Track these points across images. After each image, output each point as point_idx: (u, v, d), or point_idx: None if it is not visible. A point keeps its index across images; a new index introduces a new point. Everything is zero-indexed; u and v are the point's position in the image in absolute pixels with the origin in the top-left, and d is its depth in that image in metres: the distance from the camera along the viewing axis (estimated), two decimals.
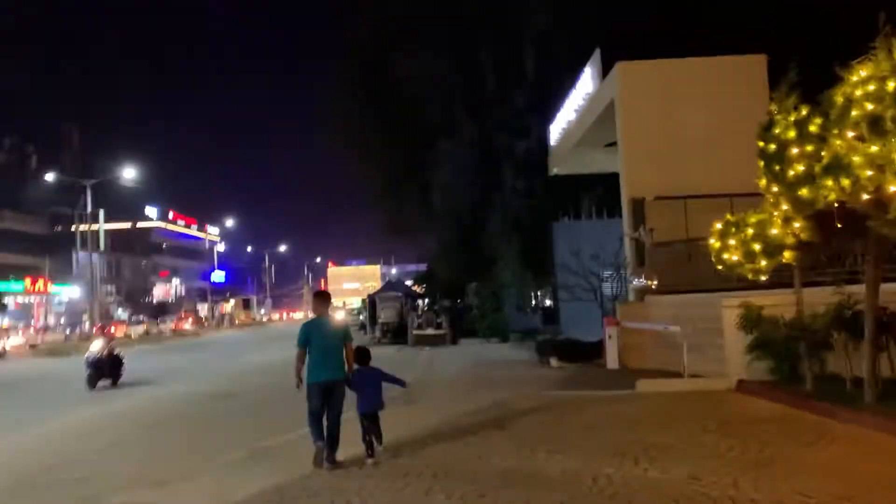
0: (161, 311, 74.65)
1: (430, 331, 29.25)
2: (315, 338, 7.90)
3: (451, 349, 26.98)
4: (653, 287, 16.89)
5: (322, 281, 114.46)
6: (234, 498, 6.63)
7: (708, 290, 15.45)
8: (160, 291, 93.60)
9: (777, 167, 8.37)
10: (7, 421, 13.08)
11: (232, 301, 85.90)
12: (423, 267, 51.18)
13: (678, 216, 17.57)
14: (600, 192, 30.36)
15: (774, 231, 8.84)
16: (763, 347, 10.61)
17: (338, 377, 7.90)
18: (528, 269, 30.43)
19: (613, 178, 25.74)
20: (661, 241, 17.20)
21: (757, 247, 9.31)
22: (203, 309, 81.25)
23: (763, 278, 9.67)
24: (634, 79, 18.80)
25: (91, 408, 14.23)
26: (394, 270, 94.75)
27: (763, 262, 9.39)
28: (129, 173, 50.47)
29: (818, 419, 8.57)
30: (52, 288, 63.02)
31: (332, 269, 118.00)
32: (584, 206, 31.11)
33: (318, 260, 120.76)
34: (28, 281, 60.48)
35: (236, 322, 74.46)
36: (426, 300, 38.04)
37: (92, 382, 17.01)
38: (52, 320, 59.80)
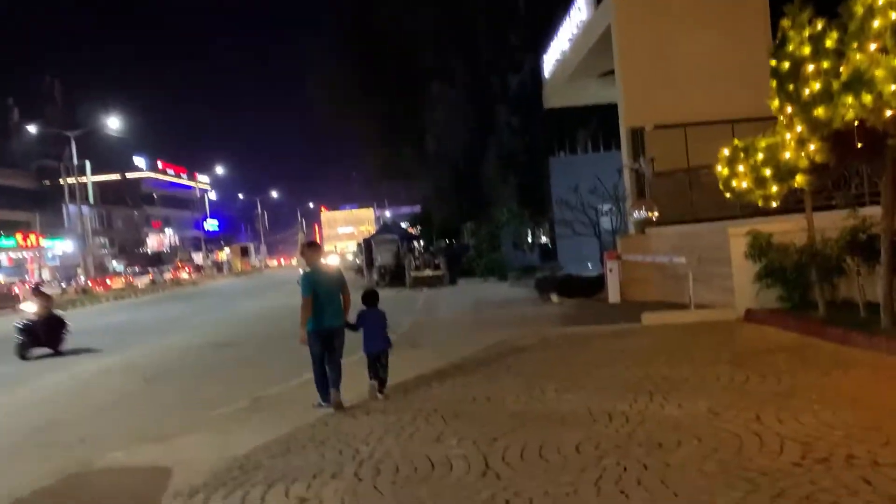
0: (157, 261, 74.42)
1: (427, 272, 29.06)
2: (315, 287, 7.97)
3: (449, 290, 26.82)
4: (653, 218, 16.57)
5: (316, 226, 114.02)
6: (238, 450, 6.41)
7: (710, 219, 15.18)
8: (154, 242, 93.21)
9: (791, 86, 7.95)
10: (3, 376, 12.90)
11: (227, 249, 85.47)
12: (417, 209, 50.76)
13: (678, 145, 17.16)
14: (596, 125, 29.86)
15: (787, 155, 8.47)
16: (772, 275, 10.36)
17: (337, 324, 8.04)
18: (525, 207, 30.08)
19: (609, 109, 25.17)
20: (662, 171, 16.83)
21: (768, 172, 8.95)
22: (198, 258, 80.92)
23: (774, 204, 9.34)
24: (630, 3, 18.09)
25: (90, 362, 14.04)
26: (388, 213, 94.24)
27: (774, 188, 9.04)
28: (113, 123, 49.49)
29: (834, 347, 8.35)
30: (44, 242, 62.52)
31: (326, 214, 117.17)
32: (580, 140, 30.64)
33: (311, 205, 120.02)
34: (20, 236, 59.90)
35: (233, 270, 74.24)
36: (422, 242, 37.78)
37: (22, 351, 15.04)
38: (46, 275, 59.44)
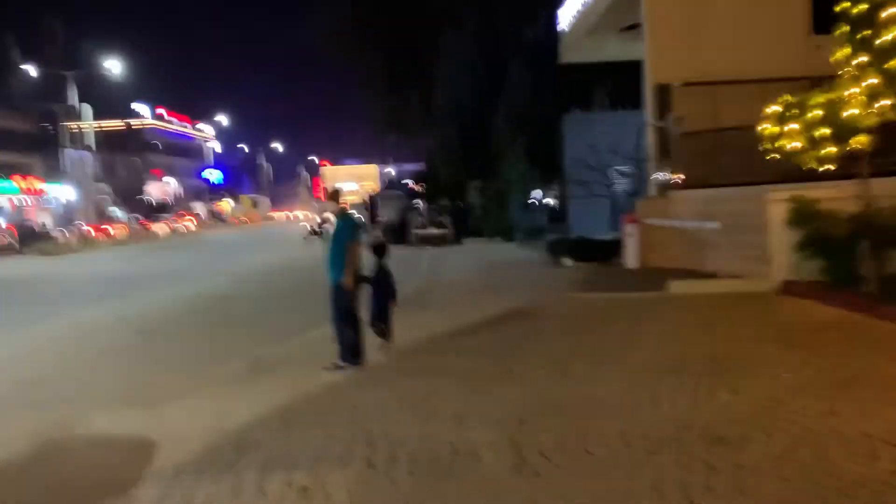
0: (159, 210, 73.59)
1: (432, 230, 28.24)
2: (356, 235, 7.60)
3: (455, 249, 26.04)
4: (677, 181, 15.69)
5: (317, 181, 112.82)
6: (232, 423, 5.69)
7: (737, 184, 14.32)
8: (156, 191, 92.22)
9: (866, 33, 7.05)
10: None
11: (236, 201, 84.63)
12: (422, 166, 49.67)
13: (706, 104, 16.15)
14: (613, 83, 28.70)
15: (854, 111, 7.59)
16: (815, 245, 9.54)
17: (330, 281, 7.48)
18: (535, 166, 29.07)
19: (627, 67, 24.06)
20: (688, 132, 15.87)
21: (825, 131, 8.08)
22: (200, 208, 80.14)
23: (828, 168, 8.48)
24: None
25: (83, 313, 13.31)
26: (392, 170, 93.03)
27: (830, 149, 8.18)
28: (114, 66, 48.18)
29: (890, 326, 7.59)
30: (43, 186, 61.55)
31: (328, 168, 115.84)
32: (596, 99, 29.47)
33: (314, 158, 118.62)
34: (19, 179, 58.90)
35: (237, 222, 73.52)
36: (426, 200, 36.77)
37: None
38: (47, 221, 58.63)
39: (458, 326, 9.37)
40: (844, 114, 7.73)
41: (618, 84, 28.19)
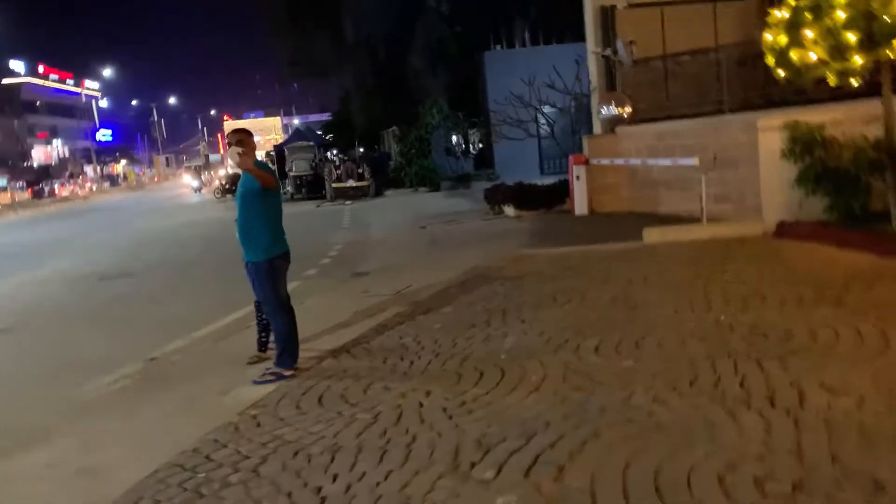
0: (43, 175, 67.96)
1: (350, 183, 26.02)
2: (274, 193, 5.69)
3: (378, 202, 24.05)
4: (625, 116, 14.17)
5: (219, 136, 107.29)
6: (111, 482, 3.78)
7: (694, 115, 12.97)
8: (40, 154, 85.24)
9: None
10: None
11: (123, 161, 79.11)
12: (328, 117, 46.74)
13: (653, 28, 14.61)
14: (535, 15, 26.94)
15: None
16: (820, 179, 8.14)
17: (245, 257, 5.68)
18: (458, 108, 27.17)
19: None
20: (637, 59, 14.31)
21: (852, 37, 6.54)
22: (90, 171, 74.53)
23: (854, 83, 6.98)
24: None
25: None
26: (296, 121, 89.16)
27: (857, 59, 6.66)
28: None
29: None
30: None
31: (229, 123, 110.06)
32: (517, 33, 27.65)
33: (213, 113, 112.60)
34: None
35: (130, 184, 68.68)
36: (336, 151, 34.25)
37: None
38: None
39: (409, 300, 7.56)
40: (886, 12, 6.18)
41: (540, 16, 26.47)
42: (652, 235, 9.47)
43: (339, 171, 26.48)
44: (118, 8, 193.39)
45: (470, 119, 27.67)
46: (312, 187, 27.36)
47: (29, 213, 36.82)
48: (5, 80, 79.65)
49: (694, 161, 9.72)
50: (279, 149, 33.61)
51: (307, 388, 5.08)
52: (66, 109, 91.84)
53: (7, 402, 5.77)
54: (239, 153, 5.25)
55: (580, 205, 14.14)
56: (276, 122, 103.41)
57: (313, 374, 5.40)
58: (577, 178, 14.18)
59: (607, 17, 14.65)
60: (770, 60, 7.48)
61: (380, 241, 13.79)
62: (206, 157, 66.72)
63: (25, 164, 77.59)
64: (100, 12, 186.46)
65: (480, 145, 27.56)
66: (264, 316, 5.90)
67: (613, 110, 14.34)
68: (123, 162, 79.32)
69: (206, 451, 4.12)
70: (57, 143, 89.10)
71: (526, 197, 15.35)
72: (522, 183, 16.52)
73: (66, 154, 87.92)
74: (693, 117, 12.80)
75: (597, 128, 15.30)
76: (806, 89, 8.78)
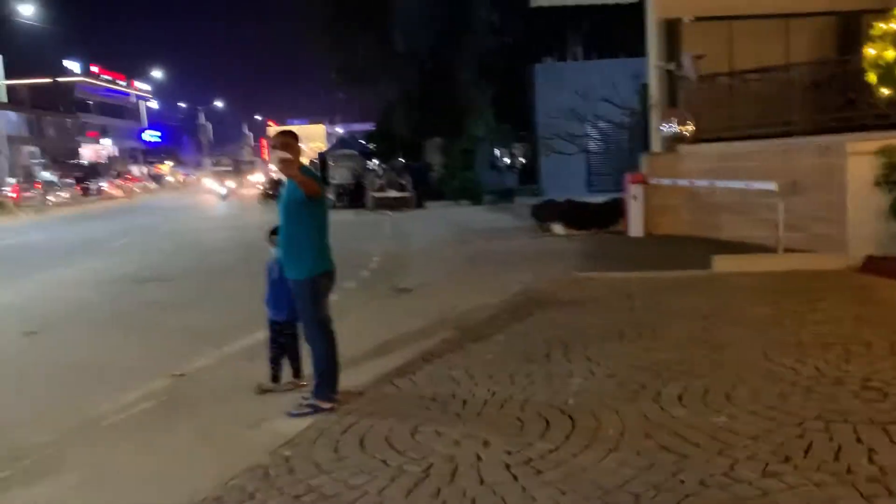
0: (92, 173, 69.03)
1: (392, 193, 25.55)
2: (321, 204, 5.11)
3: (419, 213, 23.50)
4: (686, 134, 13.41)
5: (261, 141, 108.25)
6: None
7: (755, 136, 12.19)
8: (89, 153, 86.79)
9: None
10: None
11: (169, 163, 79.99)
12: (371, 126, 46.44)
13: (720, 43, 13.87)
14: (589, 29, 26.23)
15: None
16: None
17: (285, 273, 5.13)
18: (504, 121, 26.52)
19: (603, 11, 21.70)
20: (703, 75, 13.55)
21: None
22: (137, 171, 75.53)
23: None
24: None
25: None
26: (339, 130, 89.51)
27: None
28: (27, 9, 43.48)
29: None
30: None
31: (273, 129, 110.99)
32: (570, 46, 26.98)
33: (258, 118, 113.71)
34: None
35: (181, 183, 69.23)
36: (378, 161, 33.86)
37: None
38: None
39: (454, 322, 6.94)
40: None
41: (594, 30, 25.76)
42: (722, 264, 8.71)
43: (381, 181, 26.05)
44: (170, 13, 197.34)
45: (516, 132, 27.01)
46: (354, 196, 26.95)
47: (76, 211, 37.06)
48: (60, 79, 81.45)
49: (772, 186, 8.93)
50: (322, 157, 33.37)
51: (347, 425, 4.47)
52: (117, 109, 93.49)
53: (23, 417, 5.29)
54: (282, 158, 4.69)
55: (636, 226, 13.41)
56: (320, 129, 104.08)
57: (354, 407, 4.80)
58: (634, 197, 13.46)
59: (672, 30, 13.92)
60: (872, 77, 6.72)
61: (421, 255, 13.20)
62: (237, 160, 66.53)
63: (75, 161, 79.04)
64: (152, 16, 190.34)
65: (524, 160, 26.85)
66: (283, 339, 5.37)
67: (674, 127, 13.59)
68: (169, 163, 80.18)
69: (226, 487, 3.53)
70: (106, 142, 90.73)
71: (577, 215, 14.66)
72: (573, 200, 15.83)
73: (116, 153, 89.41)
74: (759, 139, 12.04)
75: (655, 145, 14.55)
76: (889, 113, 8.03)
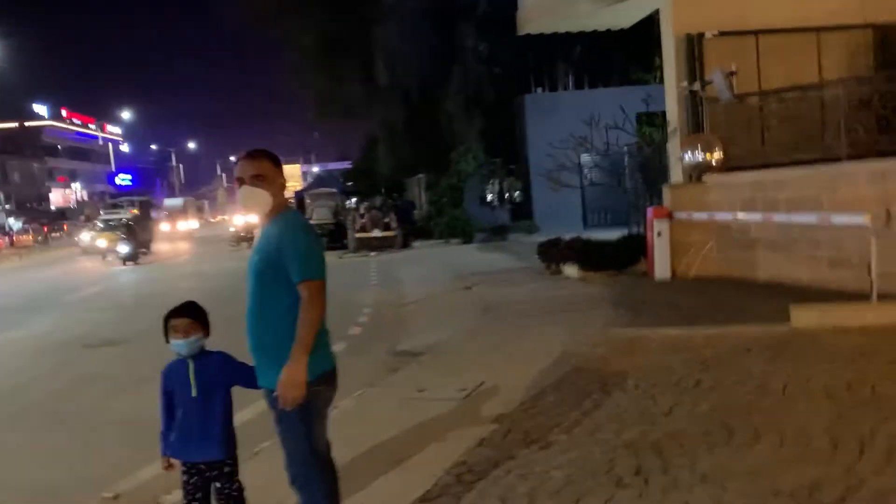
0: (59, 217, 66.81)
1: (376, 232, 23.89)
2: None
3: (405, 254, 21.84)
4: (713, 163, 11.91)
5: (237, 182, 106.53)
6: None
7: (791, 163, 10.79)
8: (58, 197, 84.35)
9: None
10: None
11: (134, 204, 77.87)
12: (348, 165, 44.92)
13: (746, 61, 12.44)
14: (580, 57, 24.98)
15: None
16: None
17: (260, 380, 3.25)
18: (494, 154, 25.08)
19: (596, 38, 20.44)
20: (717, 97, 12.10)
21: None
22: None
23: None
24: None
25: None
26: (315, 169, 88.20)
27: None
28: None
29: None
30: None
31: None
32: (561, 76, 25.70)
33: (232, 158, 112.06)
34: None
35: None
36: (356, 199, 32.21)
37: None
38: None
39: (486, 410, 5.20)
40: None
41: (586, 58, 24.49)
42: (804, 317, 7.04)
43: (363, 220, 24.40)
44: (141, 55, 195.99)
45: (507, 167, 25.56)
46: (334, 237, 25.24)
47: (41, 256, 34.87)
48: (27, 123, 79.21)
49: (863, 219, 7.32)
50: (300, 195, 31.69)
51: None
52: (87, 153, 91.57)
53: None
54: (254, 197, 2.98)
55: (661, 267, 11.78)
56: (295, 169, 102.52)
57: None
58: (659, 234, 11.86)
59: (693, 47, 12.47)
60: None
61: (419, 305, 11.51)
62: (142, 202, 45.79)
63: (42, 207, 76.56)
64: (122, 58, 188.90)
65: (517, 195, 25.37)
66: (234, 487, 3.42)
67: (700, 156, 12.09)
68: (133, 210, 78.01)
69: None
70: (76, 186, 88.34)
71: (592, 255, 12.99)
72: (582, 238, 14.21)
73: (84, 197, 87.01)
74: (797, 165, 10.61)
75: (676, 175, 13.03)
76: None
